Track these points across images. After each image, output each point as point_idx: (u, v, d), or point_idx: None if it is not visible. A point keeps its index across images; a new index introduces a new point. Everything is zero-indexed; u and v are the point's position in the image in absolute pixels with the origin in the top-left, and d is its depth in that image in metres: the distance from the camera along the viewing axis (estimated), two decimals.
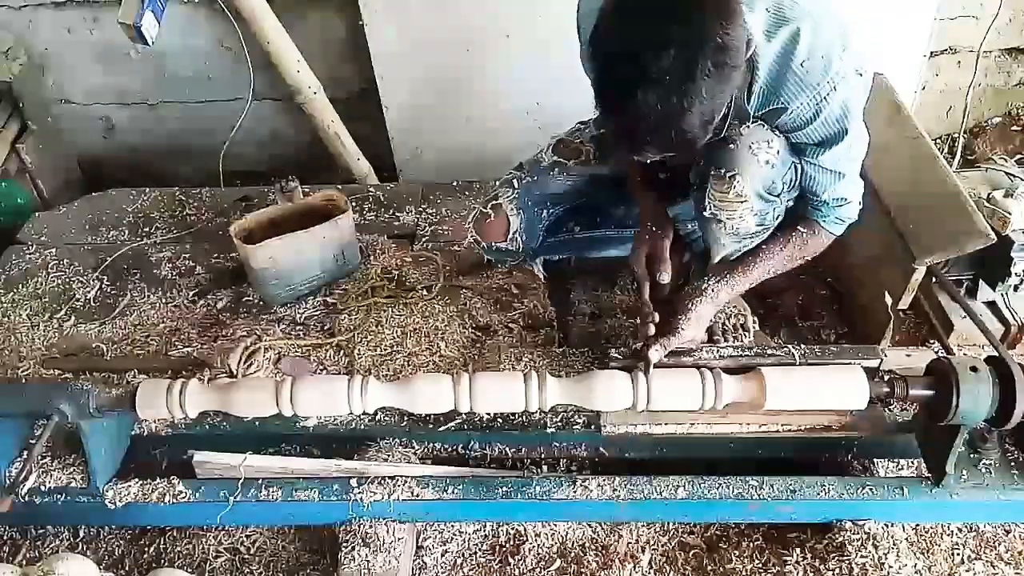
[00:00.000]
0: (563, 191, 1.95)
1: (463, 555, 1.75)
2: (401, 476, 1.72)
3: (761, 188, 1.64)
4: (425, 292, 2.27)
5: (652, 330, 1.68)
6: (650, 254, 1.78)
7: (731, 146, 1.59)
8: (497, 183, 1.98)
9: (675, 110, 1.25)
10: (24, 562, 1.74)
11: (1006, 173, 2.09)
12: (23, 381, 2.08)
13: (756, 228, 1.71)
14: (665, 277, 1.77)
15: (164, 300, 2.33)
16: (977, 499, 1.67)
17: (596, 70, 1.34)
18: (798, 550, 1.70)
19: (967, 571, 1.68)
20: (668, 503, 1.67)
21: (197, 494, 1.70)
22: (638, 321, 1.88)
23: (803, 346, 1.77)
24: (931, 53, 2.82)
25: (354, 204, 2.61)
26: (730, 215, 1.66)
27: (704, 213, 1.70)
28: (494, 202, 1.93)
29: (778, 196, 1.69)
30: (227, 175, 3.00)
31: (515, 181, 1.94)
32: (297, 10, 2.73)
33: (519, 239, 1.95)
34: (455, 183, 2.75)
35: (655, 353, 1.65)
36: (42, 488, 1.71)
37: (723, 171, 1.61)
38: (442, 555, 1.75)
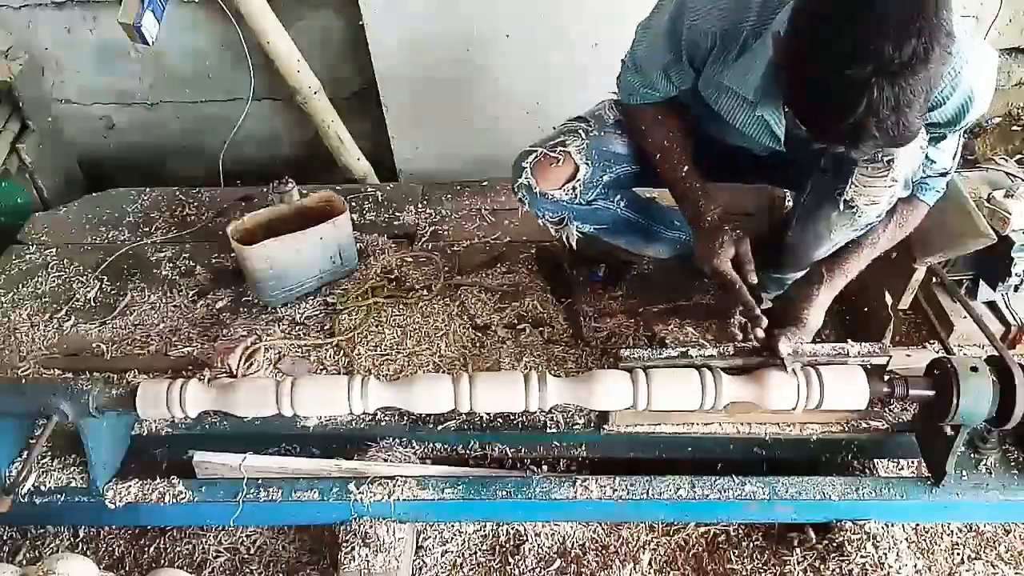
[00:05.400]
0: (625, 152, 1.88)
1: (463, 555, 1.75)
2: (401, 476, 1.72)
3: (910, 173, 1.61)
4: (425, 292, 2.27)
5: (764, 325, 1.67)
6: (735, 258, 1.74)
7: None
8: (559, 131, 1.87)
9: (908, 100, 1.23)
10: (24, 562, 1.74)
11: (1006, 173, 2.09)
12: (23, 381, 2.08)
13: (875, 218, 1.68)
14: (754, 277, 1.72)
15: (164, 300, 2.32)
16: (977, 499, 1.67)
17: (809, 72, 1.29)
18: (798, 550, 1.70)
19: (967, 571, 1.68)
20: (668, 503, 1.67)
21: (197, 494, 1.70)
22: (735, 322, 1.94)
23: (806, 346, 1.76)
24: None
25: (354, 204, 2.61)
26: (871, 201, 1.61)
27: (840, 199, 1.64)
28: (562, 148, 1.80)
29: (914, 183, 1.66)
30: (227, 175, 2.99)
31: (582, 132, 1.83)
32: (297, 10, 2.73)
33: (577, 189, 1.83)
34: (455, 183, 2.75)
35: (784, 345, 1.65)
36: (42, 488, 1.71)
37: (880, 155, 1.56)
38: (442, 555, 1.75)
